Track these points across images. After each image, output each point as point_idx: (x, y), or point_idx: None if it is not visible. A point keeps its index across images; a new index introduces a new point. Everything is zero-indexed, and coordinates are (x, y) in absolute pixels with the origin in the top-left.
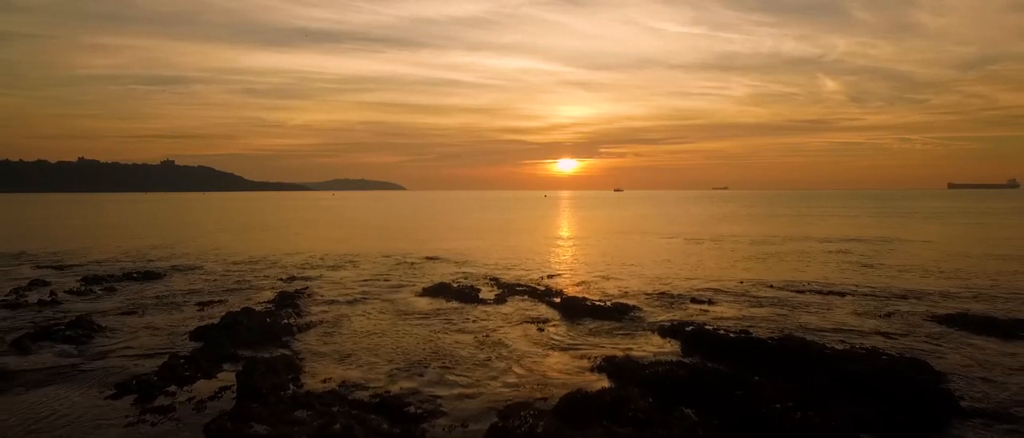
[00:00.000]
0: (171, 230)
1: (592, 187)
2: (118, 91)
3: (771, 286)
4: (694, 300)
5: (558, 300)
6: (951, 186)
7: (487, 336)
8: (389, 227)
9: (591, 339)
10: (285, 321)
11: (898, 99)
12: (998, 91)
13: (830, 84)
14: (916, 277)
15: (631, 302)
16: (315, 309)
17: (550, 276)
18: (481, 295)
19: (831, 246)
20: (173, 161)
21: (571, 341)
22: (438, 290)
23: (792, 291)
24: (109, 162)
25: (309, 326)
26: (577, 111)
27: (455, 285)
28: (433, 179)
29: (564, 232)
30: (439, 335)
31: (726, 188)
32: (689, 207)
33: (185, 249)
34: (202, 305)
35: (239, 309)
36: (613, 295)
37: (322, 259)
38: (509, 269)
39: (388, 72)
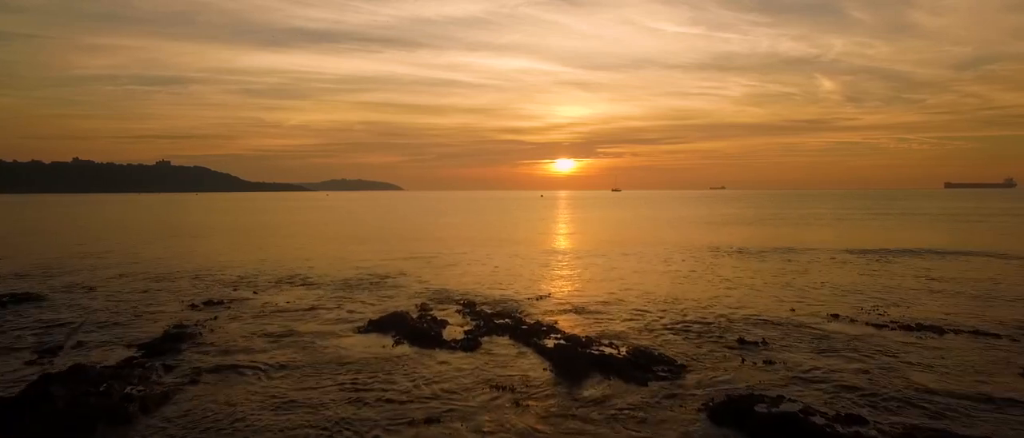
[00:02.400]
0: (125, 234)
1: (590, 187)
2: (115, 91)
3: (836, 318)
4: (743, 342)
5: (550, 343)
6: (948, 186)
7: (434, 422)
8: (369, 231)
9: (601, 428)
10: (128, 389)
11: (895, 99)
12: (995, 91)
13: (827, 84)
14: (1018, 304)
15: (654, 344)
16: (198, 360)
17: (541, 298)
18: (445, 333)
19: (872, 257)
20: (169, 161)
21: (569, 433)
22: (389, 324)
23: (868, 325)
24: (105, 163)
25: (165, 397)
26: (575, 111)
27: (415, 315)
28: (431, 179)
29: (561, 238)
30: (356, 420)
31: (723, 188)
32: (692, 208)
33: (116, 259)
34: (43, 353)
35: (67, 367)
36: (627, 333)
37: (269, 272)
38: (492, 289)
39: (386, 72)
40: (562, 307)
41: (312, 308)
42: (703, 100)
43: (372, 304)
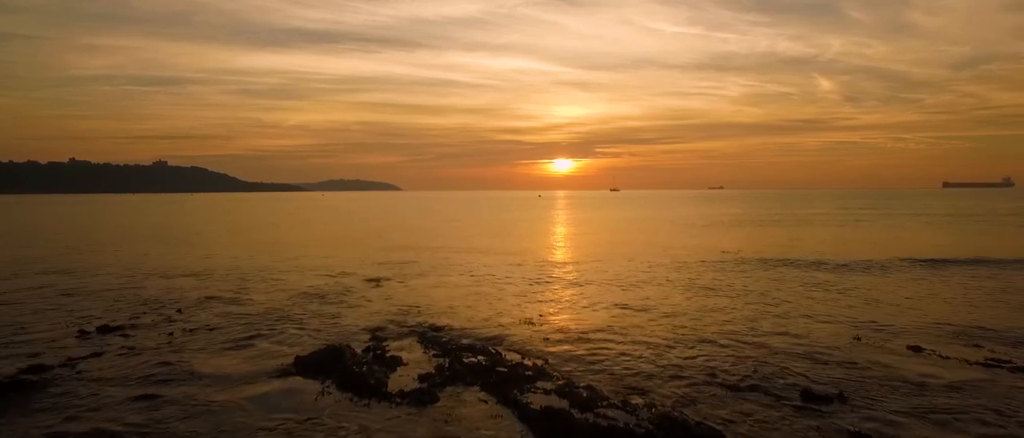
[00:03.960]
0: (82, 237)
1: (588, 187)
2: (113, 92)
3: (918, 351)
4: (810, 397)
5: (537, 401)
6: (946, 185)
7: None
8: (351, 232)
9: None
10: None
11: (892, 98)
12: (991, 90)
13: (825, 84)
14: None
15: (685, 399)
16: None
17: (529, 324)
18: (393, 380)
19: (917, 265)
20: (166, 162)
21: None
22: (322, 365)
23: (971, 365)
24: (101, 163)
25: None
26: (573, 111)
27: (361, 349)
28: (430, 179)
29: (557, 243)
30: None
31: (722, 188)
32: (695, 208)
33: (45, 265)
34: None
35: None
36: (645, 381)
37: (212, 283)
38: (469, 308)
39: (385, 72)
40: (556, 338)
41: (235, 337)
42: (701, 100)
43: (314, 331)
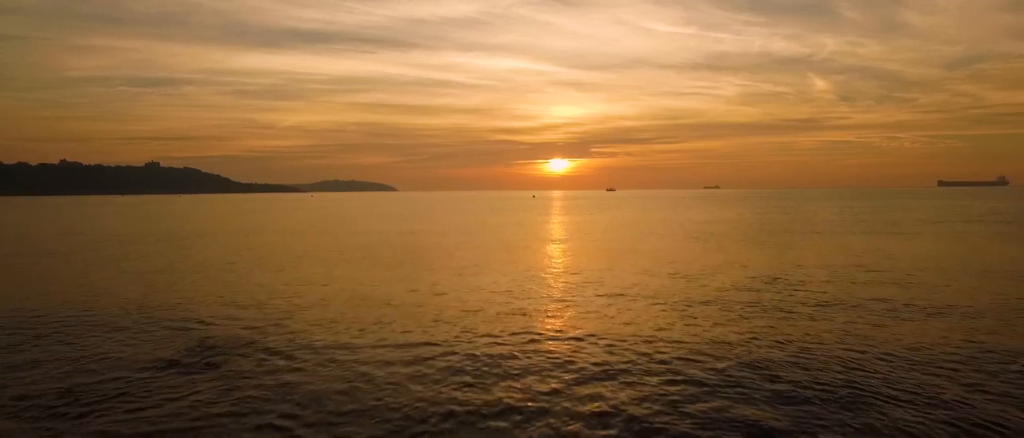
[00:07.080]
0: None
1: (584, 187)
2: (108, 93)
3: None
4: None
5: None
6: (941, 184)
7: None
8: (291, 245)
9: None
10: None
11: (887, 98)
12: (985, 90)
13: (820, 83)
14: None
15: None
16: None
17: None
18: None
19: None
20: (158, 163)
21: None
22: None
23: None
24: (93, 164)
25: None
26: (569, 111)
27: None
28: (425, 179)
29: (542, 271)
30: None
31: (717, 187)
32: (699, 211)
33: None
34: None
35: None
36: None
37: (50, 316)
38: (402, 414)
39: (380, 73)
40: None
41: None
42: (696, 100)
43: None
